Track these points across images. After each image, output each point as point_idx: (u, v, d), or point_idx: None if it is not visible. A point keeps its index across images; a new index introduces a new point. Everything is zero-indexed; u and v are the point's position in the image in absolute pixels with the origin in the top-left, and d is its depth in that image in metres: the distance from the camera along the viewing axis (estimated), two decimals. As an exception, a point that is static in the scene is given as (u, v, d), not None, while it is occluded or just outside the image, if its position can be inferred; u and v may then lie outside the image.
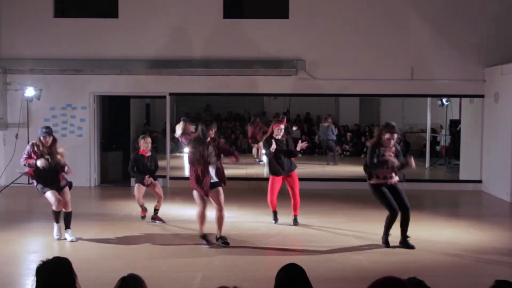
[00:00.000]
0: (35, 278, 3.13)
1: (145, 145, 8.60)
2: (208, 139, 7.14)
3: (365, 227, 8.36)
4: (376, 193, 7.15)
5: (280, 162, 8.35)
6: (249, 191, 9.44)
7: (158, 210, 8.79)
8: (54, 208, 7.46)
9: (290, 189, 8.52)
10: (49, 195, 7.44)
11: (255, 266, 6.50)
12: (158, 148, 16.34)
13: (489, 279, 3.05)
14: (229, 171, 14.17)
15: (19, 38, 12.47)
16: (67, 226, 7.55)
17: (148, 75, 12.56)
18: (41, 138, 7.41)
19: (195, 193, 7.20)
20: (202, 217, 7.21)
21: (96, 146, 12.80)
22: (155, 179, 8.79)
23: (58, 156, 7.45)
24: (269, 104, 18.29)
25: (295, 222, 8.53)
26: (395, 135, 6.99)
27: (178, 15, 12.44)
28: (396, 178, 7.14)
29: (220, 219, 7.25)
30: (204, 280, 5.87)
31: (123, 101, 13.94)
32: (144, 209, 8.80)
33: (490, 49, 12.21)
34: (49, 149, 7.42)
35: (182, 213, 9.42)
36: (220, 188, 7.24)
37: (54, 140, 7.51)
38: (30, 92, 11.77)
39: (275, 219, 8.65)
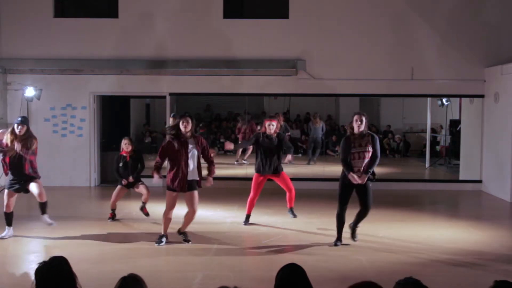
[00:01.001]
0: (34, 280, 3.11)
1: (124, 146, 8.82)
2: (189, 134, 7.10)
3: (365, 227, 8.35)
4: (340, 183, 7.21)
5: (265, 161, 8.32)
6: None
7: (145, 203, 8.88)
8: (4, 209, 7.50)
9: (283, 186, 8.55)
10: (4, 196, 7.51)
11: (255, 266, 6.51)
12: (158, 148, 16.36)
13: (489, 279, 3.05)
14: (229, 171, 14.27)
15: (19, 38, 12.47)
16: (43, 212, 7.59)
17: (148, 75, 12.55)
18: (15, 126, 7.36)
19: (168, 193, 7.21)
20: (167, 219, 7.26)
21: (96, 146, 12.79)
22: (139, 179, 8.84)
23: (25, 146, 7.33)
24: (269, 104, 18.30)
25: (293, 214, 8.54)
26: (363, 117, 7.02)
27: (178, 15, 12.44)
28: (365, 179, 7.04)
29: (189, 218, 7.32)
30: (204, 280, 5.88)
31: (123, 101, 13.94)
32: (113, 213, 8.88)
33: (490, 49, 12.21)
34: (20, 138, 7.33)
35: (181, 213, 9.40)
36: (195, 192, 7.22)
37: (28, 131, 7.43)
38: (30, 92, 11.76)
39: (246, 221, 8.56)
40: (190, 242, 7.26)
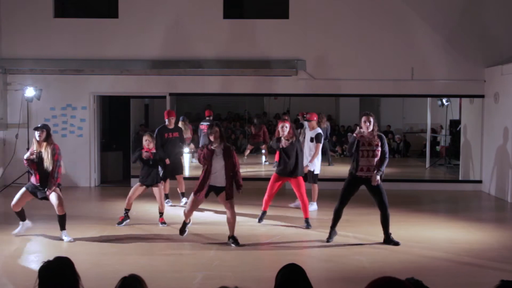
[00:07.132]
0: (37, 279, 3.12)
1: (145, 143, 8.50)
2: (216, 142, 7.09)
3: (365, 227, 8.37)
4: (347, 179, 7.34)
5: (286, 162, 8.27)
6: (250, 191, 9.44)
7: (162, 213, 8.61)
8: (12, 208, 7.59)
9: (296, 191, 8.48)
10: (18, 193, 7.58)
11: (255, 266, 6.51)
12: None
13: (489, 279, 3.05)
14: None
15: (19, 38, 12.47)
16: (62, 228, 7.50)
17: (148, 75, 12.56)
18: (36, 133, 7.40)
19: (191, 196, 7.27)
20: (189, 213, 7.42)
21: (96, 146, 12.79)
22: (160, 179, 8.65)
23: (46, 157, 7.36)
24: (269, 104, 18.33)
25: (307, 225, 8.36)
26: (371, 118, 7.13)
27: (178, 15, 12.44)
28: (377, 179, 7.12)
29: (228, 222, 7.33)
30: (204, 280, 5.88)
31: (123, 101, 13.95)
32: (125, 216, 8.50)
33: (490, 49, 12.21)
34: (39, 145, 7.37)
35: (182, 213, 9.41)
36: (223, 195, 7.25)
37: (48, 136, 7.45)
38: (30, 92, 11.75)
39: (261, 218, 8.65)
40: (239, 245, 7.26)
